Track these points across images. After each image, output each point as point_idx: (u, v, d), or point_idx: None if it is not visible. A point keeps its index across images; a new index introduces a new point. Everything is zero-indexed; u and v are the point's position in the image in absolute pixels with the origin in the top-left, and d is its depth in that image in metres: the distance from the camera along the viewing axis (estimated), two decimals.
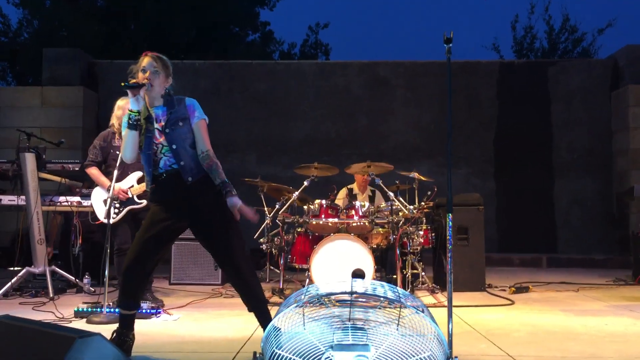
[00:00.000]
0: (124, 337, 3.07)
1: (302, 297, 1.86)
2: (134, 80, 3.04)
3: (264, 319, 3.04)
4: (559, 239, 9.63)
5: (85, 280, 5.52)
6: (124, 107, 4.80)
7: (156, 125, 3.15)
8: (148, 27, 15.51)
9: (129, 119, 3.07)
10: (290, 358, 1.79)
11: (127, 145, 3.09)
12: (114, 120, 4.91)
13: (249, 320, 4.15)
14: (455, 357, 1.91)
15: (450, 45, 2.65)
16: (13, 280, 5.22)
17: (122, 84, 3.02)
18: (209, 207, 3.10)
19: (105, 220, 4.63)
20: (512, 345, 3.46)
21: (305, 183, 5.63)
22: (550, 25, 17.72)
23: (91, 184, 5.79)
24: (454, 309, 2.92)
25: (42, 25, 16.21)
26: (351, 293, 1.77)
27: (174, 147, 3.10)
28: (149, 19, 15.29)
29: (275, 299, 5.20)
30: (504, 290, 5.88)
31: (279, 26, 20.07)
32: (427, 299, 5.33)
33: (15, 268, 5.56)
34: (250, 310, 3.14)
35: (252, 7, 18.06)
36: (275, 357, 1.84)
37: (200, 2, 15.87)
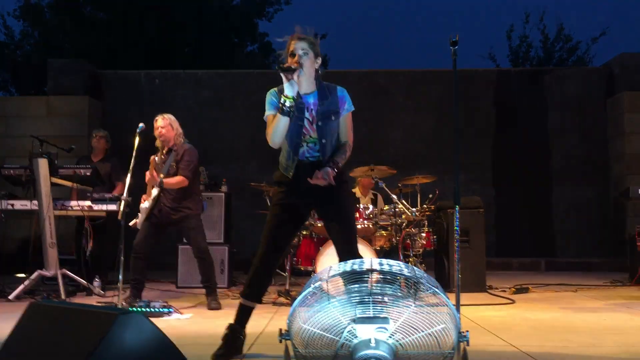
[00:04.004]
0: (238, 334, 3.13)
1: (326, 275, 2.01)
2: (287, 64, 2.94)
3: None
4: (556, 244, 9.77)
5: (95, 283, 5.63)
6: (157, 127, 4.95)
7: (306, 115, 3.08)
8: (150, 39, 15.72)
9: (282, 104, 2.95)
10: (315, 331, 1.94)
11: (277, 131, 3.01)
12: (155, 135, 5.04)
13: (260, 318, 4.29)
14: (467, 331, 2.05)
15: (456, 47, 2.81)
16: (25, 283, 5.34)
17: (277, 67, 2.93)
18: (340, 197, 3.15)
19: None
20: (515, 338, 3.60)
21: None
22: (545, 34, 17.98)
23: (102, 190, 5.98)
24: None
25: (43, 37, 16.43)
26: (371, 270, 1.92)
27: (323, 141, 3.07)
28: (151, 30, 15.50)
29: (282, 299, 5.33)
30: (505, 291, 6.01)
31: (278, 37, 20.28)
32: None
33: (22, 275, 5.69)
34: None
35: (251, 19, 18.33)
36: (301, 331, 1.98)
37: (201, 13, 16.12)
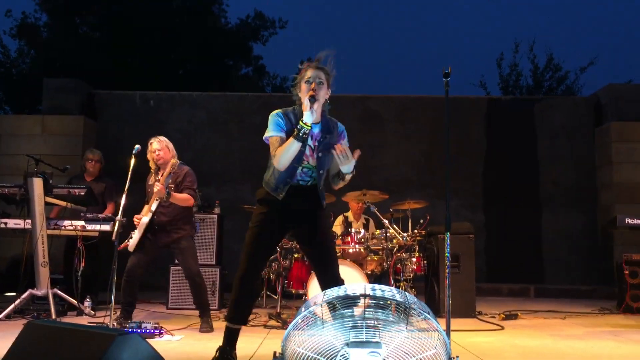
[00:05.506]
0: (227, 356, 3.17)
1: (320, 299, 2.06)
2: (311, 94, 3.02)
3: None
4: (545, 271, 9.84)
5: (86, 303, 5.63)
6: (154, 150, 4.97)
7: (309, 142, 3.16)
8: (145, 60, 15.86)
9: (299, 130, 3.02)
10: (309, 355, 1.98)
11: (287, 154, 3.06)
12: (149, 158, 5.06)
13: (252, 341, 4.31)
14: (457, 356, 2.10)
15: (449, 79, 2.91)
16: (16, 303, 5.32)
17: (308, 96, 3.00)
18: (322, 221, 3.31)
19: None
20: None
21: None
22: (534, 63, 18.34)
23: (94, 209, 5.99)
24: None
25: (39, 56, 16.54)
26: (364, 296, 1.98)
27: (321, 172, 3.20)
28: (145, 51, 15.65)
29: (273, 322, 5.35)
30: (494, 317, 6.05)
31: (272, 61, 20.56)
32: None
33: (12, 294, 5.67)
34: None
35: (246, 42, 18.58)
36: (295, 355, 2.02)
37: (196, 36, 16.31)
